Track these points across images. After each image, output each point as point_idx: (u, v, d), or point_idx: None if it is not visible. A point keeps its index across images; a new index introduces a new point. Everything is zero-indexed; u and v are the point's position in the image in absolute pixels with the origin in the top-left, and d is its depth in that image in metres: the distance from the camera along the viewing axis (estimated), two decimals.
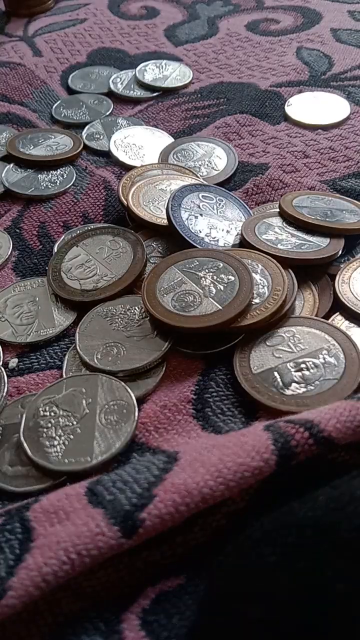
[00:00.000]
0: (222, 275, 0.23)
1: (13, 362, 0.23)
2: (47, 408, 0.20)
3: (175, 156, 0.32)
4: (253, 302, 0.22)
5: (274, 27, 0.44)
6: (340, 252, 0.25)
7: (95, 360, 0.22)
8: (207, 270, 0.23)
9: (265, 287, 0.23)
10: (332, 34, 0.42)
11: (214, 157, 0.32)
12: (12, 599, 0.14)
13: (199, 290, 0.23)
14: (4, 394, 0.21)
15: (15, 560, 0.15)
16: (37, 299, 0.25)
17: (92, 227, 0.28)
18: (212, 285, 0.23)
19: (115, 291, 0.24)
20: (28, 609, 0.15)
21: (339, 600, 0.12)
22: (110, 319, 0.23)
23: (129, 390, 0.21)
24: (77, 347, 0.22)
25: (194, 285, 0.23)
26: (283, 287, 0.23)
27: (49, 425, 0.20)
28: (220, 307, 0.22)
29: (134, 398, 0.20)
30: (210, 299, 0.22)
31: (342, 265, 0.24)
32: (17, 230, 0.29)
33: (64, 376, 0.22)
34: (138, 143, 0.33)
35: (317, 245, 0.25)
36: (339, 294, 0.23)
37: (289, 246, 0.25)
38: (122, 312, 0.23)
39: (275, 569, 0.13)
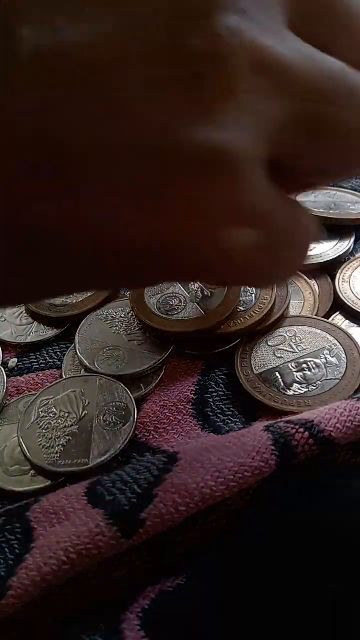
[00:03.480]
0: None
1: (12, 362, 0.23)
2: (46, 409, 0.20)
3: None
4: (238, 310, 0.22)
5: None
6: (351, 248, 0.25)
7: (96, 365, 0.22)
8: None
9: (253, 295, 0.23)
10: None
11: None
12: (12, 599, 0.14)
13: (185, 294, 0.23)
14: (4, 393, 0.21)
15: (15, 560, 0.15)
16: None
17: None
18: (199, 290, 0.23)
19: (83, 310, 0.23)
20: (28, 609, 0.15)
21: (339, 600, 0.12)
22: (110, 322, 0.23)
23: (128, 391, 0.21)
24: (78, 351, 0.22)
25: (182, 288, 0.23)
26: (271, 295, 0.22)
27: (48, 426, 0.20)
28: (203, 313, 0.22)
29: (133, 399, 0.20)
30: (195, 304, 0.22)
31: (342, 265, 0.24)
32: None
33: (64, 376, 0.22)
34: None
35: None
36: (339, 294, 0.23)
37: None
38: (123, 316, 0.23)
39: (275, 569, 0.13)
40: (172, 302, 0.23)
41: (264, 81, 0.12)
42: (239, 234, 0.13)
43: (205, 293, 0.23)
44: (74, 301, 0.24)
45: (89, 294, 0.24)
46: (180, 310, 0.22)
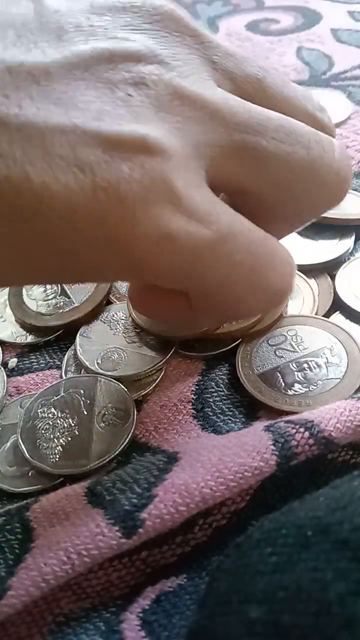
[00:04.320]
0: None
1: (12, 362, 0.23)
2: (45, 409, 0.20)
3: None
4: None
5: (274, 27, 0.44)
6: (351, 248, 0.25)
7: (96, 365, 0.22)
8: None
9: None
10: (332, 34, 0.42)
11: None
12: (12, 599, 0.14)
13: None
14: (4, 393, 0.21)
15: (15, 560, 0.15)
16: None
17: None
18: None
19: (69, 320, 0.23)
20: (28, 609, 0.15)
21: (339, 600, 0.12)
22: (111, 324, 0.23)
23: (127, 392, 0.21)
24: (78, 352, 0.22)
25: None
26: None
27: (47, 426, 0.20)
28: None
29: (132, 400, 0.20)
30: None
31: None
32: None
33: (64, 376, 0.22)
34: None
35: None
36: (339, 293, 0.23)
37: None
38: (124, 317, 0.23)
39: (275, 569, 0.13)
40: None
41: (188, 109, 0.15)
42: (182, 221, 0.14)
43: None
44: (60, 311, 0.24)
45: (76, 304, 0.24)
46: None
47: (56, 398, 0.21)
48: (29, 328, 0.24)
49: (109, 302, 0.24)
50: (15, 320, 0.24)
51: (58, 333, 0.23)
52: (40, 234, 0.13)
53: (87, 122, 0.13)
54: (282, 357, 0.21)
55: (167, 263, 0.15)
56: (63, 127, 0.13)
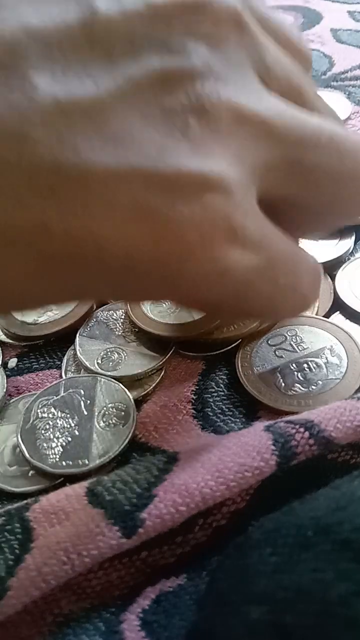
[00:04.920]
0: None
1: (12, 362, 0.23)
2: (45, 409, 0.20)
3: None
4: None
5: None
6: (351, 248, 0.25)
7: (96, 365, 0.22)
8: None
9: None
10: (332, 34, 0.42)
11: None
12: (12, 599, 0.14)
13: None
14: (4, 393, 0.21)
15: (15, 560, 0.15)
16: None
17: None
18: None
19: (53, 330, 0.23)
20: (28, 609, 0.15)
21: (340, 600, 0.12)
22: (110, 323, 0.23)
23: (127, 392, 0.21)
24: (78, 352, 0.22)
25: None
26: None
27: (47, 427, 0.20)
28: (195, 318, 0.22)
29: (132, 400, 0.20)
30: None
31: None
32: None
33: (64, 376, 0.22)
34: None
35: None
36: (339, 293, 0.23)
37: None
38: (123, 317, 0.23)
39: (275, 569, 0.13)
40: (166, 303, 0.23)
41: (246, 130, 0.14)
42: (237, 253, 0.14)
43: None
44: (45, 321, 0.24)
45: (61, 315, 0.24)
46: (171, 314, 0.22)
47: (56, 398, 0.21)
48: (12, 337, 0.23)
49: (104, 302, 0.24)
50: (0, 330, 0.24)
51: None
52: (97, 276, 0.13)
53: (146, 162, 0.13)
54: (282, 357, 0.21)
55: (216, 291, 0.15)
56: (122, 172, 0.12)
